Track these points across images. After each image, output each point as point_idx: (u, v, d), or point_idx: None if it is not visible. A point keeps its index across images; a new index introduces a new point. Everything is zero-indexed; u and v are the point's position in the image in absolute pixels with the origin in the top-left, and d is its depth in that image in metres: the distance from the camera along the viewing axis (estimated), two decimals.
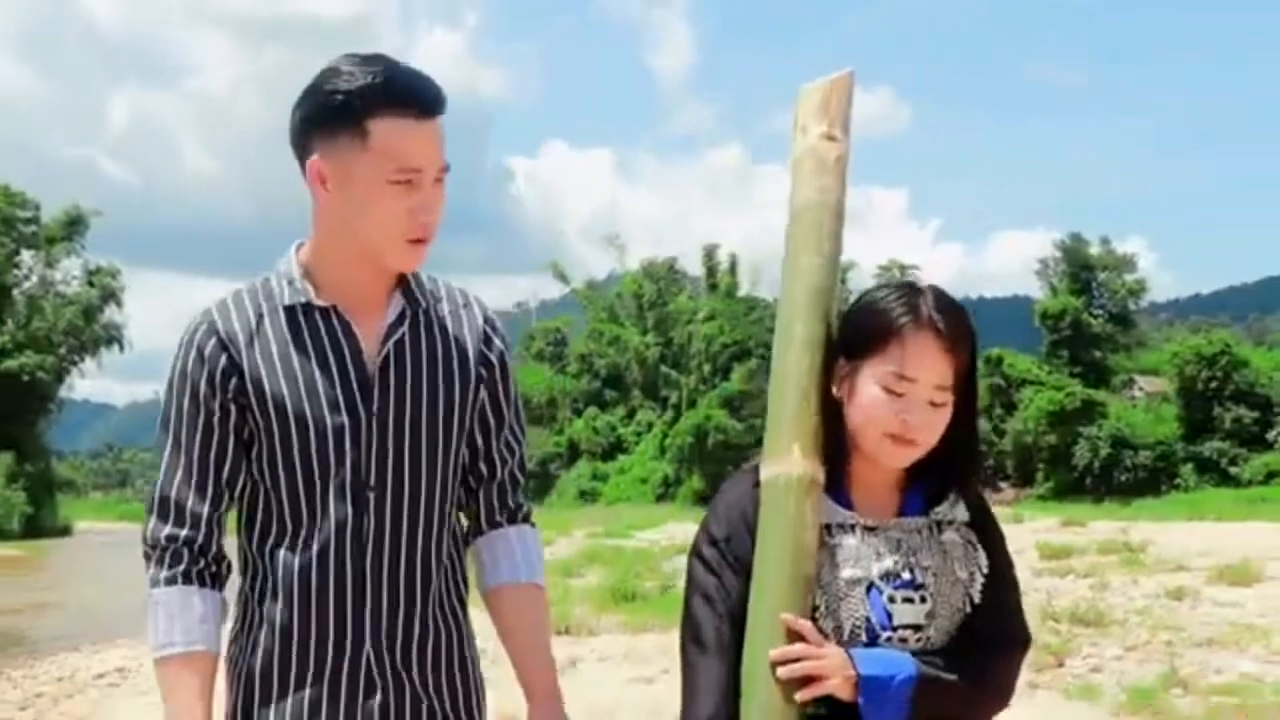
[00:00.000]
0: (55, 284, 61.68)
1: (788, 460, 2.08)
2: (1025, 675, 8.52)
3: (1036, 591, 12.18)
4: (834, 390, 2.12)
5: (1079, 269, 57.62)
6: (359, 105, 1.99)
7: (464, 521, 2.30)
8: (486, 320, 2.26)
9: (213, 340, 2.10)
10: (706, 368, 65.62)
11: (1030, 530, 24.87)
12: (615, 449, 70.66)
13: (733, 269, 70.85)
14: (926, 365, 2.05)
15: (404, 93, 2.01)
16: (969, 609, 2.10)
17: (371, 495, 2.10)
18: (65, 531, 57.85)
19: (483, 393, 2.23)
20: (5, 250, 59.15)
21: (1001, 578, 2.14)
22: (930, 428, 2.07)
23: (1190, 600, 12.45)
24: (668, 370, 69.84)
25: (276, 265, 2.17)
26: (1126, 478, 47.58)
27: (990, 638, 2.09)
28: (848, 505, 2.12)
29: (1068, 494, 47.18)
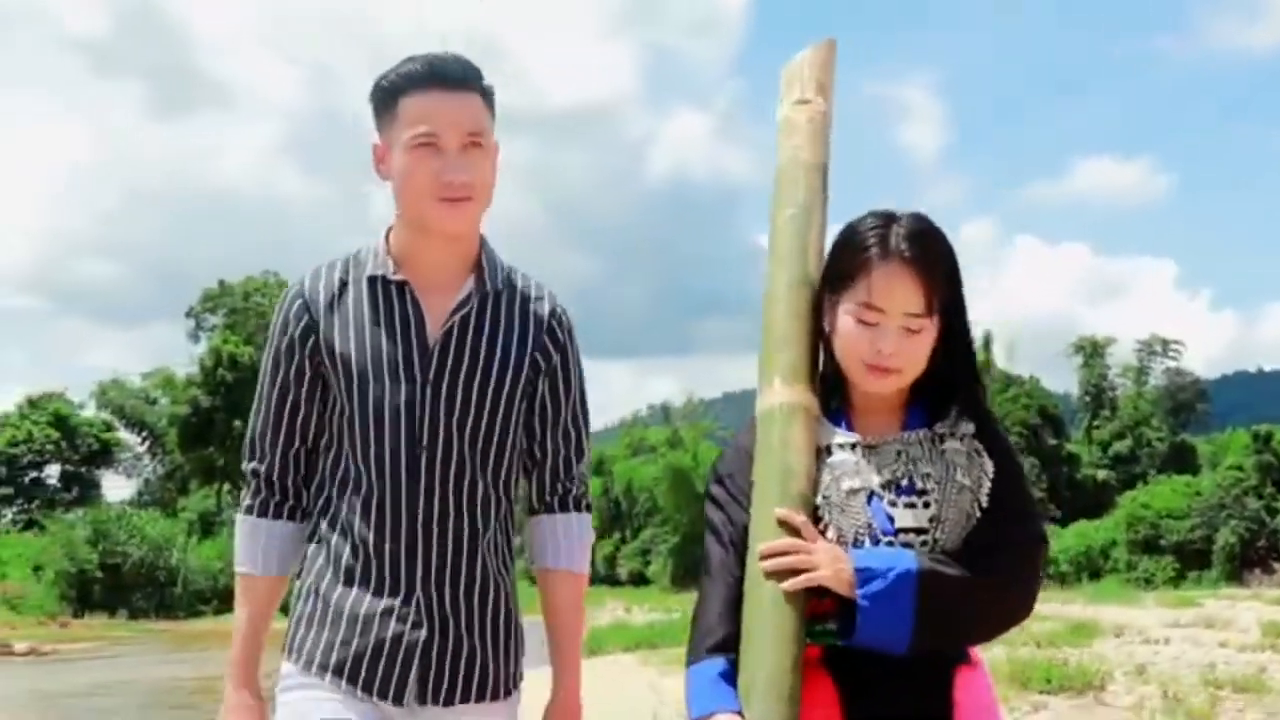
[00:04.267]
0: None
1: (769, 392, 2.17)
2: None
3: (1228, 664, 12.08)
4: (824, 324, 2.17)
5: None
6: (394, 89, 2.23)
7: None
8: (553, 314, 2.37)
9: (298, 303, 2.30)
10: None
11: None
12: None
13: (987, 345, 69.68)
14: (894, 294, 2.05)
15: (426, 70, 2.22)
16: (978, 513, 2.08)
17: (424, 455, 2.25)
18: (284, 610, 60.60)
19: (542, 384, 2.35)
20: None
21: (1010, 483, 2.11)
22: (907, 354, 2.07)
23: None
24: None
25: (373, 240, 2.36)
26: None
27: (1000, 538, 2.06)
28: (848, 428, 2.15)
29: None
